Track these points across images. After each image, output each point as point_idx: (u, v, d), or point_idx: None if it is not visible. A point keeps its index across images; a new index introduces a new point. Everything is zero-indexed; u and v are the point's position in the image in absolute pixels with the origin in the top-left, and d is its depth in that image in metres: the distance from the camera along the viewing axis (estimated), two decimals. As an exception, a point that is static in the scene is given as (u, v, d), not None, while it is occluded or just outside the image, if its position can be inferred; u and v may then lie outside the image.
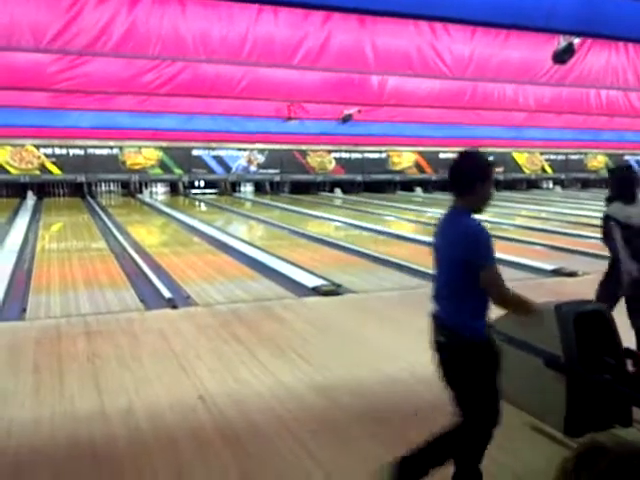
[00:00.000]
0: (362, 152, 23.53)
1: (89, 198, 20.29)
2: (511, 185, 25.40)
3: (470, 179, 2.59)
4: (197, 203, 20.80)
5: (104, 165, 20.69)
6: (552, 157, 25.88)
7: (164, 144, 20.52)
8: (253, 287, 7.17)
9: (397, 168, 24.32)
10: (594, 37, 6.02)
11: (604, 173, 26.89)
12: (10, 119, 12.23)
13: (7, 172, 19.78)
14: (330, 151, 23.28)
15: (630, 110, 9.41)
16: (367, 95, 8.97)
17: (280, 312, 5.98)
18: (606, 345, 3.60)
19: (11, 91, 8.86)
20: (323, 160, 23.50)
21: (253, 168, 22.84)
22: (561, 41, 6.15)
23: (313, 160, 23.38)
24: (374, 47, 6.63)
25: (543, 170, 26.27)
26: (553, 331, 3.56)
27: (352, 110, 11.50)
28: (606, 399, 3.45)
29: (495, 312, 2.78)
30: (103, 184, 21.45)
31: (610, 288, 4.36)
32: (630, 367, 3.55)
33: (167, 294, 6.56)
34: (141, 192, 21.64)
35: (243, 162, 22.65)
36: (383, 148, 23.36)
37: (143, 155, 21.31)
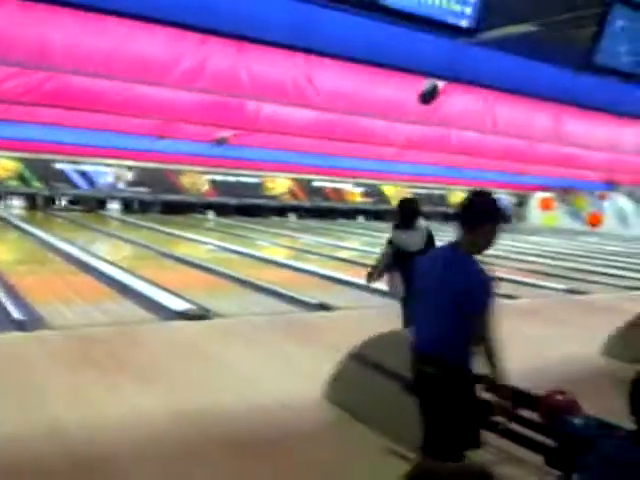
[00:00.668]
0: (237, 176, 23.47)
1: None
2: (380, 215, 26.44)
3: (480, 218, 2.61)
4: (58, 219, 19.63)
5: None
6: (418, 191, 27.29)
7: (24, 155, 19.24)
8: (114, 310, 6.85)
9: (271, 193, 24.51)
10: (456, 82, 6.47)
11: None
12: None
13: None
14: (204, 173, 23.00)
15: (487, 151, 10.15)
16: (242, 120, 8.97)
17: (142, 336, 5.75)
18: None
19: None
20: (196, 181, 23.15)
21: (121, 185, 22.00)
22: (427, 83, 6.53)
23: (186, 180, 22.96)
24: (250, 73, 6.67)
25: (409, 203, 27.56)
26: (410, 356, 3.70)
27: (227, 133, 11.45)
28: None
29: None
30: (-49, 195, 19.76)
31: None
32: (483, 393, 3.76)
33: (18, 316, 6.10)
34: (-5, 205, 20.14)
35: (110, 179, 21.76)
36: (258, 173, 23.46)
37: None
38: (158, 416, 3.93)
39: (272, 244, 15.71)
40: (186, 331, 6.14)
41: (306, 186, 24.80)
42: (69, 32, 5.86)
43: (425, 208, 28.80)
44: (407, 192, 27.06)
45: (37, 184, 20.60)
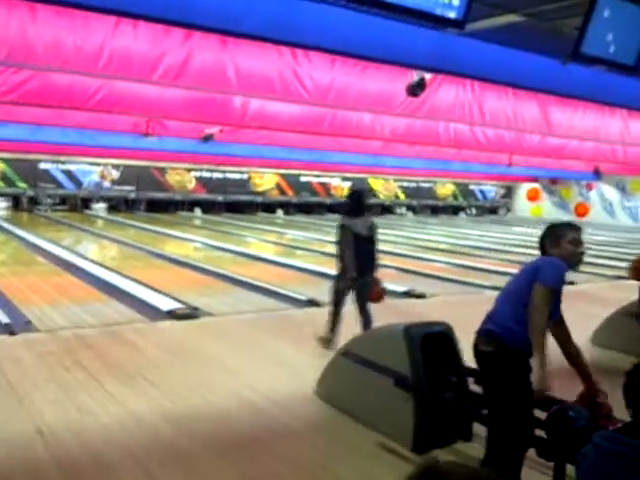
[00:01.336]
0: (224, 172, 23.36)
1: None
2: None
3: (548, 244, 3.03)
4: (43, 220, 19.44)
5: None
6: (405, 184, 27.32)
7: (7, 155, 19.01)
8: (102, 310, 6.77)
9: (259, 189, 24.42)
10: (444, 73, 6.44)
11: (452, 201, 28.87)
12: None
13: None
14: (190, 170, 22.86)
15: (475, 144, 10.14)
16: (229, 116, 8.90)
17: (130, 337, 5.69)
18: (449, 364, 3.80)
19: None
20: (183, 179, 23.01)
21: (107, 184, 21.83)
22: (414, 75, 6.50)
23: (172, 178, 22.82)
24: (236, 68, 6.60)
25: (397, 196, 27.63)
26: (402, 352, 3.69)
27: (214, 129, 11.37)
28: (450, 416, 3.63)
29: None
30: None
31: (341, 285, 5.52)
32: (472, 384, 3.75)
33: (4, 319, 6.01)
34: (-21, 206, 19.91)
35: (96, 177, 21.58)
36: (245, 169, 23.36)
37: (-18, 166, 19.64)
38: (147, 417, 3.89)
39: (260, 240, 15.65)
40: (175, 331, 6.09)
41: (293, 181, 24.73)
42: (52, 30, 5.76)
43: (413, 202, 28.94)
44: (395, 185, 27.14)
45: (21, 184, 20.39)
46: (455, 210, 29.05)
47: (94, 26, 5.95)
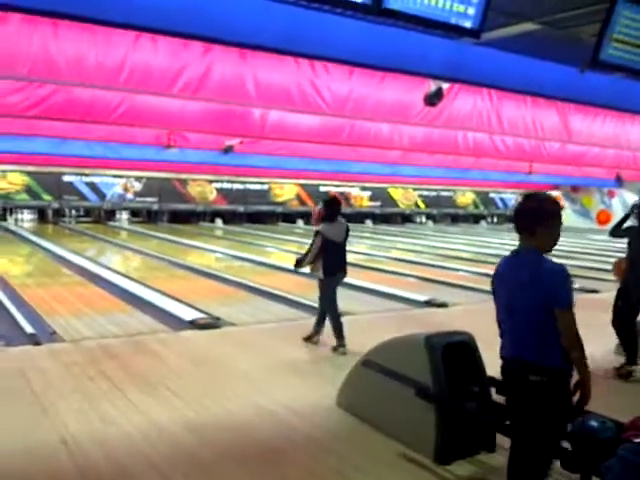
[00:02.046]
0: (244, 183, 23.51)
1: (-55, 224, 18.69)
2: (387, 219, 26.41)
3: (530, 221, 2.61)
4: (68, 232, 19.72)
5: (-37, 190, 19.23)
6: (425, 193, 27.22)
7: (32, 168, 19.34)
8: (125, 321, 6.85)
9: (279, 200, 24.51)
10: (461, 83, 6.45)
11: (472, 209, 28.72)
12: None
13: None
14: (211, 181, 23.04)
15: (494, 152, 10.11)
16: (249, 127, 8.99)
17: (153, 347, 5.75)
18: (471, 374, 3.78)
19: None
20: (204, 190, 23.20)
21: (130, 196, 22.09)
22: (431, 85, 6.52)
23: (193, 189, 23.02)
24: (255, 81, 6.67)
25: (417, 205, 27.55)
26: (423, 362, 3.68)
27: (234, 141, 11.47)
28: (472, 426, 3.61)
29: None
30: (-38, 210, 19.89)
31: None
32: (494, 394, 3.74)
33: (29, 329, 6.11)
34: (5, 219, 20.23)
35: (119, 190, 21.86)
36: (265, 180, 23.48)
37: (8, 180, 19.97)
38: (170, 427, 3.93)
39: (280, 250, 15.70)
40: (197, 340, 6.14)
41: (313, 192, 24.79)
42: (73, 45, 5.89)
43: (433, 211, 28.83)
44: (414, 194, 27.08)
45: (46, 197, 20.72)
46: (476, 218, 28.89)
47: (115, 41, 6.06)
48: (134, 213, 22.94)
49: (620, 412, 3.02)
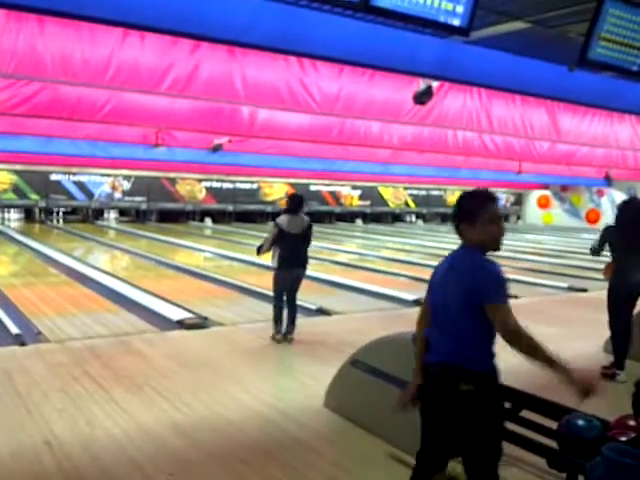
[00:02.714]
0: (233, 182, 23.43)
1: None
2: (377, 218, 26.43)
3: (464, 217, 2.49)
4: (55, 231, 19.57)
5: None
6: (415, 192, 27.27)
7: (19, 167, 19.18)
8: (112, 321, 6.79)
9: (269, 199, 24.46)
10: (450, 81, 6.43)
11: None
12: None
13: None
14: (200, 180, 22.96)
15: (484, 151, 10.11)
16: (237, 126, 8.92)
17: (140, 347, 5.70)
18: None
19: None
20: (193, 189, 23.11)
21: (118, 195, 21.95)
22: (421, 84, 6.49)
23: (182, 188, 22.92)
24: (243, 79, 6.62)
25: (407, 204, 27.59)
26: (411, 360, 3.65)
27: (222, 140, 11.41)
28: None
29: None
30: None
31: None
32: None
33: (14, 330, 6.04)
34: (-8, 218, 20.10)
35: (107, 188, 21.72)
36: (255, 179, 23.42)
37: (-5, 179, 19.84)
38: (155, 428, 3.88)
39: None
40: (184, 341, 6.09)
41: (303, 191, 24.74)
42: (59, 42, 5.81)
43: (423, 210, 28.87)
44: (404, 193, 27.11)
45: (34, 196, 20.56)
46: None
47: (101, 38, 6.00)
48: (122, 212, 22.82)
49: (606, 411, 3.01)
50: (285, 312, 6.21)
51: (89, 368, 5.00)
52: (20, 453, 3.49)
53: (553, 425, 3.09)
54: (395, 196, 27.07)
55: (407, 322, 6.63)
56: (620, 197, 25.83)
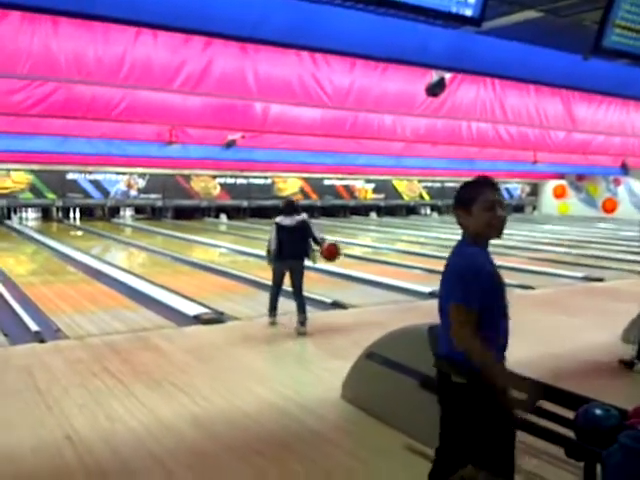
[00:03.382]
0: (247, 178, 23.49)
1: (-50, 224, 18.75)
2: (392, 211, 26.36)
3: (460, 203, 2.46)
4: (72, 229, 19.76)
5: (-33, 189, 19.28)
6: (429, 185, 27.16)
7: (35, 167, 19.37)
8: (130, 317, 6.86)
9: (283, 194, 24.48)
10: (463, 72, 6.40)
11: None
12: None
13: None
14: (214, 176, 23.04)
15: (498, 142, 10.04)
16: (250, 121, 8.95)
17: (158, 342, 5.75)
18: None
19: None
20: (207, 185, 23.19)
21: (133, 193, 22.11)
22: (434, 75, 6.46)
23: (197, 185, 23.02)
24: (256, 74, 6.64)
25: (421, 197, 27.48)
26: (427, 353, 3.66)
27: (236, 136, 11.44)
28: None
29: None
30: (-33, 209, 19.95)
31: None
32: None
33: (34, 327, 6.12)
34: (9, 218, 20.28)
35: (122, 186, 21.88)
36: (268, 174, 23.44)
37: (12, 179, 20.02)
38: (174, 422, 3.93)
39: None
40: (201, 336, 6.14)
41: (317, 185, 24.76)
42: (74, 42, 5.86)
43: (438, 202, 28.72)
44: (419, 186, 27.01)
45: (50, 195, 20.76)
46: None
47: (114, 37, 6.04)
48: (138, 210, 22.96)
49: (624, 400, 3.00)
50: (295, 306, 6.47)
51: (108, 364, 5.07)
52: (41, 448, 3.54)
53: (570, 415, 3.08)
54: (409, 189, 26.98)
55: (422, 314, 6.63)
56: (638, 186, 25.56)
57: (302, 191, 24.83)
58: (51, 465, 3.36)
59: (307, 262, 6.64)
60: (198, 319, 6.69)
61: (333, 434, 3.82)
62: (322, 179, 24.33)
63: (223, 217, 23.36)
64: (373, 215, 25.92)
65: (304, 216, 6.86)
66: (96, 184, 21.47)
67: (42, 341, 5.73)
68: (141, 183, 22.07)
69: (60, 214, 21.44)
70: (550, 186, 29.00)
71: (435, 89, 6.39)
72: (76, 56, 5.86)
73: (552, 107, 7.49)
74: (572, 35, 5.15)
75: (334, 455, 3.53)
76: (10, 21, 5.60)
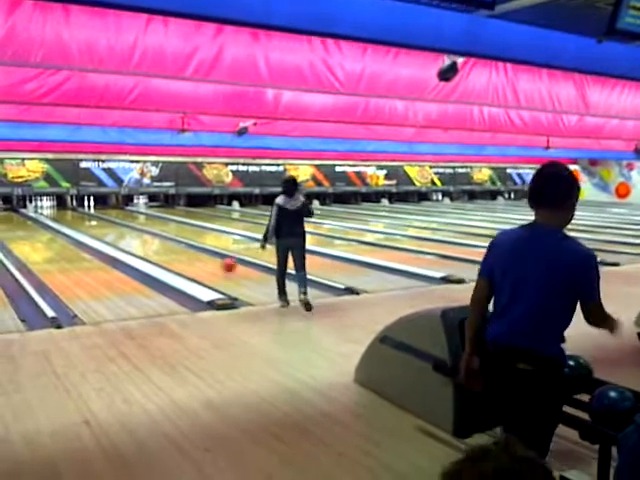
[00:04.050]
0: (259, 165, 23.51)
1: (-33, 213, 18.96)
2: (403, 197, 26.30)
3: (567, 193, 2.40)
4: (87, 217, 19.92)
5: (-17, 178, 19.46)
6: (441, 170, 27.03)
7: (50, 156, 19.50)
8: (145, 303, 6.94)
9: (295, 181, 24.49)
10: (475, 57, 6.36)
11: (489, 185, 28.47)
12: None
13: None
14: (227, 164, 23.07)
15: (510, 127, 9.97)
16: (262, 108, 8.95)
17: (173, 328, 5.82)
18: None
19: None
20: (220, 173, 23.24)
21: (146, 181, 22.22)
22: (445, 60, 6.43)
23: (209, 172, 23.08)
24: (267, 61, 6.63)
25: (433, 183, 27.37)
26: (440, 336, 3.69)
27: (248, 123, 11.44)
28: (490, 400, 3.61)
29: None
30: (-18, 198, 20.15)
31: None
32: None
33: (51, 313, 6.22)
34: (25, 206, 20.47)
35: (136, 175, 21.99)
36: (280, 161, 23.44)
37: (27, 168, 20.18)
38: (190, 406, 3.99)
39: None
40: (216, 321, 6.20)
41: (329, 172, 24.72)
42: (85, 30, 5.89)
43: (450, 188, 28.56)
44: (430, 172, 26.90)
45: (64, 184, 20.91)
46: (493, 195, 28.65)
47: (126, 25, 6.05)
48: (151, 197, 23.09)
49: (639, 382, 3.01)
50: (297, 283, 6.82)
51: (124, 349, 5.14)
52: (60, 432, 3.61)
53: (585, 398, 3.10)
54: (421, 175, 26.87)
55: (435, 299, 6.68)
56: (652, 170, 25.29)
57: (314, 178, 24.82)
58: (70, 448, 3.43)
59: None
60: (212, 305, 6.76)
61: (345, 416, 3.87)
62: (334, 166, 24.29)
63: (235, 204, 23.42)
64: (385, 201, 25.87)
65: (303, 199, 7.01)
66: (109, 172, 21.60)
67: (59, 327, 5.82)
68: (154, 171, 22.16)
69: (74, 202, 21.60)
70: (563, 171, 28.72)
71: (447, 73, 6.36)
72: (88, 44, 5.89)
73: (565, 91, 7.42)
74: (585, 18, 5.11)
75: (347, 437, 3.57)
76: (22, 10, 5.63)
